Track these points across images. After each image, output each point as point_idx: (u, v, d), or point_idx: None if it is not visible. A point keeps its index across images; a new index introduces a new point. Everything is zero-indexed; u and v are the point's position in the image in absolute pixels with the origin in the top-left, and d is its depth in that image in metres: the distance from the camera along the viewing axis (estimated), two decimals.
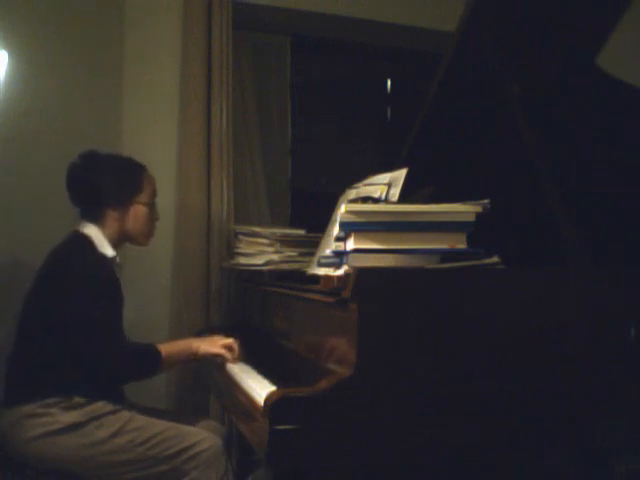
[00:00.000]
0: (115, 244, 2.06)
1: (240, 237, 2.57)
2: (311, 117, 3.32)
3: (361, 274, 1.44)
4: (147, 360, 1.93)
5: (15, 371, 1.94)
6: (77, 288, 1.88)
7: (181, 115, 2.81)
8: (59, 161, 2.49)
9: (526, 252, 1.75)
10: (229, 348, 2.01)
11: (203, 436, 1.92)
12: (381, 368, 1.42)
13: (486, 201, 1.53)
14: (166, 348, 1.97)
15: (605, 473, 1.67)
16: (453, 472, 1.54)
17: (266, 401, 1.37)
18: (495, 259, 1.53)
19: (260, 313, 2.45)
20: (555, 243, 1.69)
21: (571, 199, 1.71)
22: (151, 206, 2.14)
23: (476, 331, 1.50)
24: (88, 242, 1.99)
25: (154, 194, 2.16)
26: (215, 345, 2.01)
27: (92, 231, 2.01)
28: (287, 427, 1.35)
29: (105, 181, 2.03)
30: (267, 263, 2.30)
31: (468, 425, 1.48)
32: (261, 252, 2.36)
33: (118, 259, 2.06)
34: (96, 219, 2.04)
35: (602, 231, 1.76)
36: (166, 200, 2.82)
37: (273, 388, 1.52)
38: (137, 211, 2.09)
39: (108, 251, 2.01)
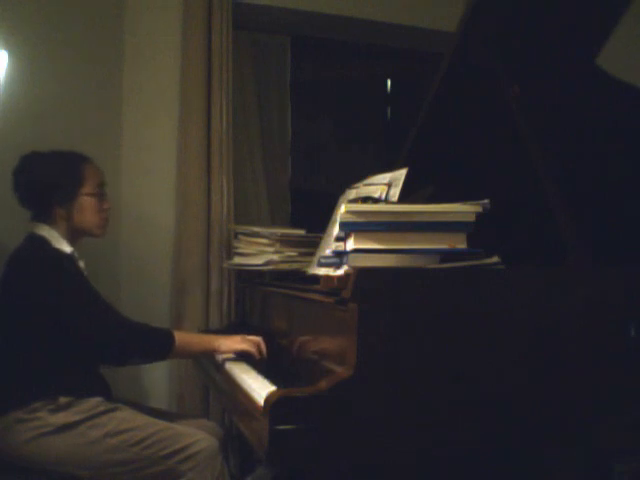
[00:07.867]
0: (71, 240, 2.03)
1: (240, 237, 2.57)
2: (311, 117, 3.31)
3: (361, 274, 1.44)
4: (157, 337, 1.95)
5: None
6: (48, 281, 1.88)
7: (181, 115, 2.81)
8: None
9: (526, 252, 1.75)
10: (257, 346, 1.98)
11: (199, 437, 1.90)
12: (381, 368, 1.42)
13: (486, 201, 1.54)
14: (183, 336, 2.01)
15: (605, 473, 1.67)
16: (453, 472, 1.54)
17: (266, 401, 1.37)
18: (495, 259, 1.53)
19: (260, 313, 2.45)
20: (555, 243, 1.69)
21: (571, 199, 1.71)
22: (98, 196, 2.08)
23: (476, 331, 1.50)
24: (43, 241, 1.97)
25: (100, 183, 2.10)
26: (237, 342, 1.99)
27: (45, 231, 2.00)
28: (287, 427, 1.35)
29: (45, 181, 2.00)
30: (267, 263, 2.30)
31: (468, 425, 1.48)
32: (261, 252, 2.36)
33: (77, 254, 2.04)
34: (46, 219, 2.02)
35: (602, 231, 1.77)
36: (166, 200, 2.83)
37: (273, 388, 1.52)
38: (82, 203, 2.04)
39: (65, 247, 1.99)
